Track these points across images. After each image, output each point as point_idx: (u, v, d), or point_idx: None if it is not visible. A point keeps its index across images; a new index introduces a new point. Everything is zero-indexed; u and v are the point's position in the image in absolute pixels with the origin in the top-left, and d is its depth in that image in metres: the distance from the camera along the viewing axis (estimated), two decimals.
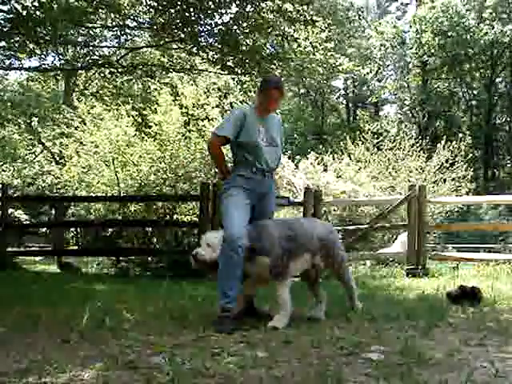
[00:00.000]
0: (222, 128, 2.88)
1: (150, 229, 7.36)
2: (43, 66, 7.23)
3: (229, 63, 6.76)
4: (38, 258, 10.44)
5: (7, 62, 6.67)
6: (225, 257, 2.63)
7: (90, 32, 8.18)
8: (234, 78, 8.45)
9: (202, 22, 6.51)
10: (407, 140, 13.06)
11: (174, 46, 7.34)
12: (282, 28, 6.69)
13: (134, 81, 8.41)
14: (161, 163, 8.23)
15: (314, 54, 7.33)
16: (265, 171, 2.87)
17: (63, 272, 6.65)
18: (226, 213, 2.77)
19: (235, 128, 2.82)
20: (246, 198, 2.80)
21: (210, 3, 6.18)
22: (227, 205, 2.79)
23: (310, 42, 6.92)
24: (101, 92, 8.20)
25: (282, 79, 3.12)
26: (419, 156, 12.43)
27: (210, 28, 6.63)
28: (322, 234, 2.92)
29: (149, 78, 7.39)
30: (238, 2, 6.29)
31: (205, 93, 8.99)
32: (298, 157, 10.40)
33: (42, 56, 6.76)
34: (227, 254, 2.61)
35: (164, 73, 7.30)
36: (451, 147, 12.97)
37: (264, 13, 6.41)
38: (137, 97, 8.29)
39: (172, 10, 6.25)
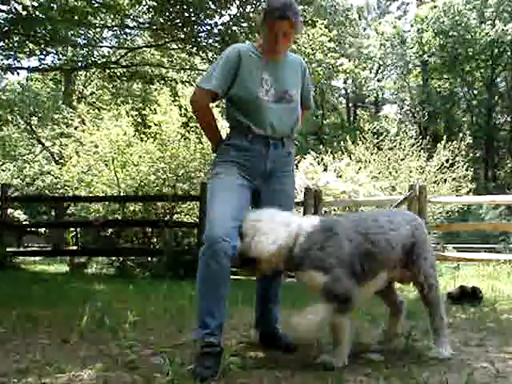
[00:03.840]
0: (208, 78, 2.00)
1: (150, 229, 7.36)
2: (42, 66, 7.24)
3: None
4: (37, 258, 10.44)
5: (6, 62, 6.68)
6: (203, 266, 1.88)
7: (90, 32, 8.19)
8: None
9: (201, 22, 6.52)
10: (407, 140, 13.08)
11: (174, 46, 7.34)
12: None
13: (133, 80, 8.42)
14: (160, 163, 8.24)
15: (313, 55, 7.34)
16: (269, 138, 2.01)
17: (70, 272, 6.58)
18: (209, 202, 1.97)
19: (225, 77, 1.97)
20: (239, 178, 1.98)
21: (210, 3, 6.19)
22: (211, 190, 1.99)
23: (310, 45, 6.93)
24: (100, 92, 8.22)
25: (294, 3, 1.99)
26: (419, 156, 12.45)
27: (209, 28, 6.64)
28: (407, 236, 1.99)
29: (148, 84, 7.40)
30: (237, 3, 6.29)
31: None
32: (297, 157, 10.40)
33: (42, 56, 6.77)
34: (206, 263, 1.87)
35: (163, 82, 7.31)
36: (451, 147, 13.00)
37: None
38: (137, 97, 8.30)
39: (172, 10, 6.25)
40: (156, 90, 8.71)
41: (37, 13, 5.64)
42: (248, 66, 1.99)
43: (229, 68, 1.98)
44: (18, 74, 6.92)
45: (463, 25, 22.15)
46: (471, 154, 14.94)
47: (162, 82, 7.28)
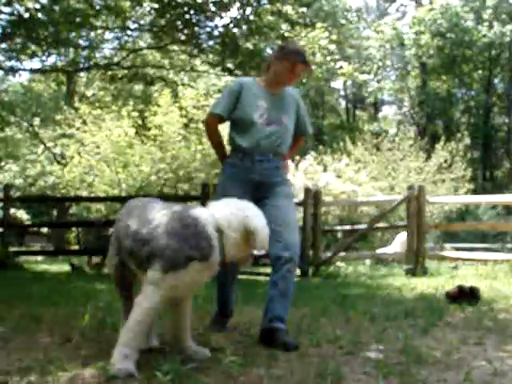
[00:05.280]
0: (217, 104, 2.47)
1: None
2: (44, 68, 7.27)
3: (229, 65, 6.80)
4: (39, 258, 10.48)
5: (9, 63, 6.71)
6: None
7: (92, 34, 8.23)
8: None
9: (202, 25, 6.56)
10: (406, 140, 13.10)
11: (175, 48, 7.38)
12: (282, 32, 6.71)
13: (135, 82, 8.45)
14: (162, 164, 8.26)
15: (313, 56, 7.36)
16: (254, 155, 2.36)
17: (71, 272, 6.58)
18: None
19: (229, 103, 2.40)
20: (241, 193, 2.25)
21: (211, 6, 6.22)
22: None
23: (310, 47, 6.95)
24: (102, 93, 8.25)
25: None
26: (418, 156, 12.46)
27: (210, 30, 6.67)
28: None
29: (149, 85, 7.44)
30: (238, 5, 6.33)
31: (205, 94, 9.02)
32: (297, 157, 10.41)
33: (44, 57, 6.80)
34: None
35: (164, 83, 7.36)
36: (450, 147, 13.02)
37: (264, 15, 6.44)
38: (138, 98, 8.33)
39: (172, 13, 6.29)
40: (157, 91, 8.74)
41: (39, 15, 5.67)
42: (248, 95, 2.40)
43: (232, 96, 2.41)
44: (20, 75, 6.98)
45: (460, 27, 22.14)
46: (469, 155, 14.96)
47: (163, 83, 7.31)
